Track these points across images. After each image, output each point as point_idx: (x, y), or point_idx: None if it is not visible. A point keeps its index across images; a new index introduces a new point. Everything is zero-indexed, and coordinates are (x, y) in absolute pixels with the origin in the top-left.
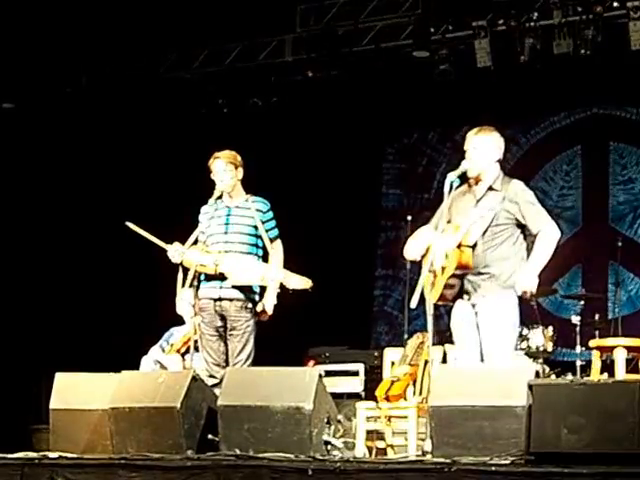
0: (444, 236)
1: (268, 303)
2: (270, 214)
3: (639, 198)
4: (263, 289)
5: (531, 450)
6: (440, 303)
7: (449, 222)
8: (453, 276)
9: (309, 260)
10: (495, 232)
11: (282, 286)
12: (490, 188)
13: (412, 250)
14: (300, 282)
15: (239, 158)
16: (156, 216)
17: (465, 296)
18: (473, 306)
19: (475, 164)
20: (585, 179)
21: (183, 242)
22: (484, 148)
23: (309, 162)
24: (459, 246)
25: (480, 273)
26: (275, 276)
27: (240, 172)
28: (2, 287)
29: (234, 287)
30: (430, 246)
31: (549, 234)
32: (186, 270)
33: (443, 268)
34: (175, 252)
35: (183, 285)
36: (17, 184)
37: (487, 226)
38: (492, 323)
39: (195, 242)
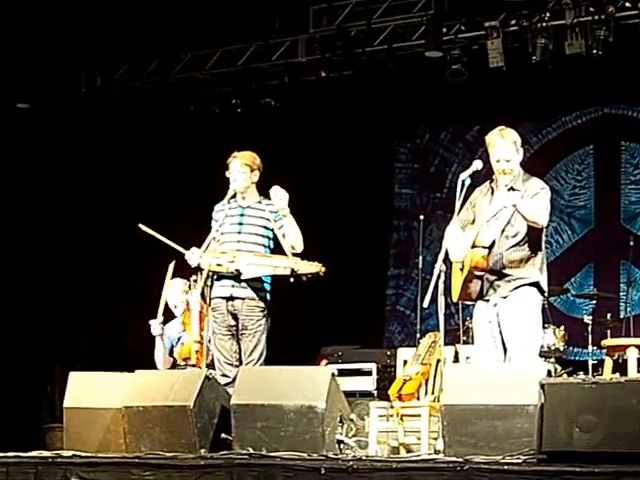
0: (465, 235)
1: (303, 270)
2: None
3: None
4: (274, 288)
5: (543, 449)
6: (461, 302)
7: (474, 222)
8: (472, 275)
9: (321, 259)
10: (512, 232)
11: (296, 276)
12: (511, 188)
13: (457, 253)
14: (312, 267)
15: (257, 161)
16: (169, 215)
17: (485, 296)
18: (495, 306)
19: (510, 167)
20: (597, 179)
21: (196, 240)
22: (513, 150)
23: (321, 162)
24: (474, 246)
25: (498, 274)
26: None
27: (255, 175)
28: (17, 286)
29: (246, 286)
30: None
31: (541, 216)
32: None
33: (463, 267)
34: (192, 255)
35: (202, 288)
36: (32, 183)
37: (504, 226)
38: (514, 324)
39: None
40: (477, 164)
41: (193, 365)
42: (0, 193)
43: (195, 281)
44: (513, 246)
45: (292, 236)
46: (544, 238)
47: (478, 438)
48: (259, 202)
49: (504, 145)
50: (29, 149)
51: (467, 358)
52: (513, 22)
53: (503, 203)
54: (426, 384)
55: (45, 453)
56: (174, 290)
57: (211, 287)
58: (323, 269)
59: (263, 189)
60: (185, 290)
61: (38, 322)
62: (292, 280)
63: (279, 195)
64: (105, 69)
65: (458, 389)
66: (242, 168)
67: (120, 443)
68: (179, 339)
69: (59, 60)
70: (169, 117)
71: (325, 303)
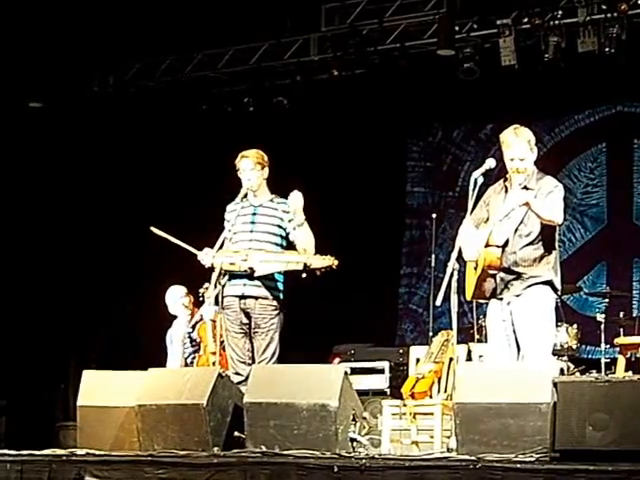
0: (479, 234)
1: (316, 264)
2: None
3: None
4: (287, 287)
5: (556, 447)
6: (475, 300)
7: (487, 220)
8: (486, 274)
9: (334, 258)
10: (525, 231)
11: (309, 271)
12: (525, 187)
13: (471, 252)
14: (324, 261)
15: (265, 158)
16: (181, 215)
17: (499, 295)
18: (508, 304)
19: (524, 166)
20: (609, 177)
21: (208, 241)
22: (527, 149)
23: (334, 160)
24: (487, 245)
25: (511, 272)
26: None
27: (266, 171)
28: (32, 288)
29: (260, 284)
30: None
31: (555, 214)
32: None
33: (477, 265)
34: (205, 255)
35: (215, 287)
36: (45, 183)
37: (517, 225)
38: (527, 323)
39: (222, 244)
40: (490, 162)
41: None
42: (13, 193)
43: (207, 288)
44: (526, 245)
45: (304, 242)
46: (557, 237)
47: (491, 436)
48: (271, 200)
49: (518, 144)
50: (41, 148)
51: (480, 356)
52: (525, 20)
53: (516, 202)
54: (439, 382)
55: (59, 451)
56: (173, 297)
57: (223, 286)
58: (336, 262)
59: (276, 187)
60: (182, 296)
61: (52, 322)
62: (304, 275)
63: (297, 202)
64: (117, 68)
65: (471, 387)
66: (255, 166)
67: (133, 441)
68: (196, 351)
69: (71, 59)
70: (181, 116)
71: (337, 301)
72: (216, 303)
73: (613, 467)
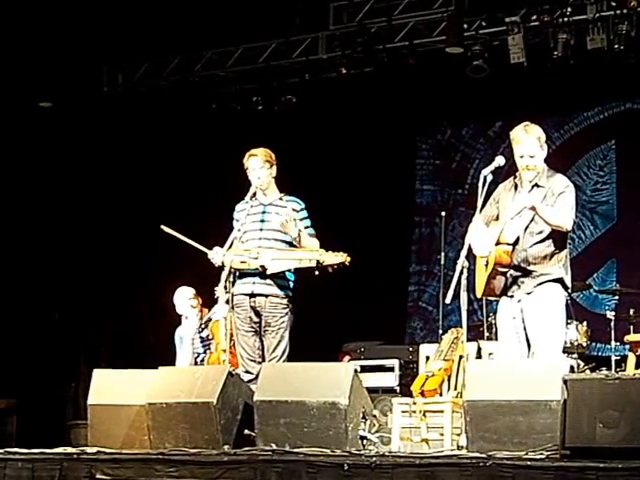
0: (489, 231)
1: (328, 261)
2: (305, 213)
3: None
4: (297, 285)
5: (566, 445)
6: (485, 298)
7: (497, 218)
8: (496, 272)
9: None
10: (537, 229)
11: (322, 268)
12: (536, 185)
13: (482, 248)
14: (337, 258)
15: (273, 156)
16: (190, 214)
17: (509, 292)
18: (519, 302)
19: (533, 163)
20: (619, 174)
21: (217, 240)
22: (537, 146)
23: (343, 159)
24: (498, 243)
25: (522, 270)
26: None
27: (274, 170)
28: (42, 285)
29: (271, 283)
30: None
31: (564, 220)
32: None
33: (487, 263)
34: (216, 254)
35: (225, 286)
36: (54, 182)
37: (529, 222)
38: (538, 320)
39: (232, 243)
40: (499, 160)
41: None
42: (23, 192)
43: (225, 288)
44: (537, 243)
45: (313, 241)
46: (568, 235)
47: (501, 434)
48: (280, 199)
49: (528, 140)
50: (51, 148)
51: (490, 354)
52: (534, 17)
53: (524, 205)
54: (449, 380)
55: (70, 450)
56: (181, 298)
57: (233, 284)
58: (348, 259)
59: (285, 185)
60: (191, 298)
61: (63, 321)
62: (317, 273)
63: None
64: (127, 67)
65: (481, 385)
66: (263, 165)
67: (144, 439)
68: (207, 348)
69: (81, 59)
70: (190, 115)
71: (347, 299)
72: (226, 302)
73: (623, 464)
